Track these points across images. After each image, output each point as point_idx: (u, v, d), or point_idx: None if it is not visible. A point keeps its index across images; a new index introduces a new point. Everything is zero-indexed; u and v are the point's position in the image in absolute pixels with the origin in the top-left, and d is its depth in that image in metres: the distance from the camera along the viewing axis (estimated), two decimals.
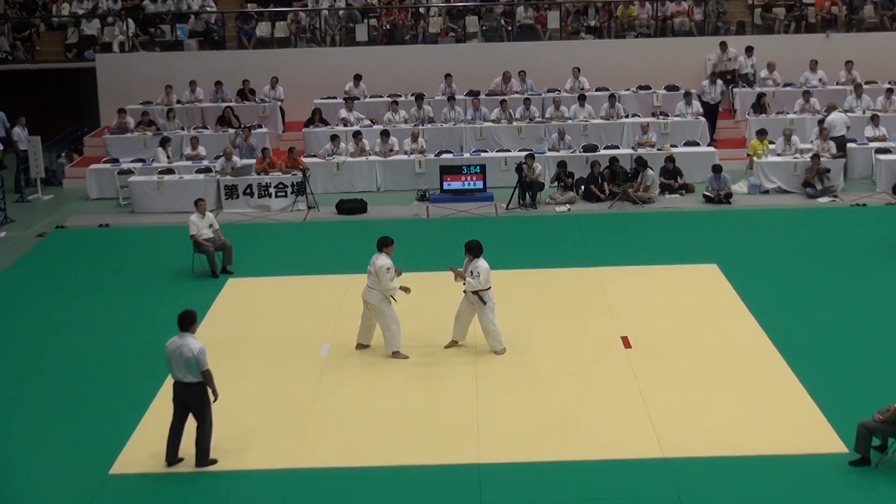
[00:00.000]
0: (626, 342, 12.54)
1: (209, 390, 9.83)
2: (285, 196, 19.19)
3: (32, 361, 12.67)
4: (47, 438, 10.66)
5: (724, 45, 23.33)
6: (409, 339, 12.60)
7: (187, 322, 9.90)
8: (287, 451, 10.18)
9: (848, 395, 10.90)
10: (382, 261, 12.01)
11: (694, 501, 9.14)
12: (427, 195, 19.54)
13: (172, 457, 10.01)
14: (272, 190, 19.20)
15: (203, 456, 9.94)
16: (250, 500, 9.48)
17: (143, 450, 10.25)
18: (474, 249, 12.14)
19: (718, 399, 10.97)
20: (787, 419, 10.51)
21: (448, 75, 23.19)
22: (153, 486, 9.70)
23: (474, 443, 10.19)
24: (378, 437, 10.40)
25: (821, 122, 20.56)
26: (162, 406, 11.13)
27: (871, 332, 12.77)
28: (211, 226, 15.63)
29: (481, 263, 12.04)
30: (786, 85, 23.08)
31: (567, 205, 18.77)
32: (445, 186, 19.47)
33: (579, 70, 23.15)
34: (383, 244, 12.21)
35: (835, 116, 20.58)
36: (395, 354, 12.26)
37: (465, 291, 12.19)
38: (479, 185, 19.41)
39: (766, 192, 19.37)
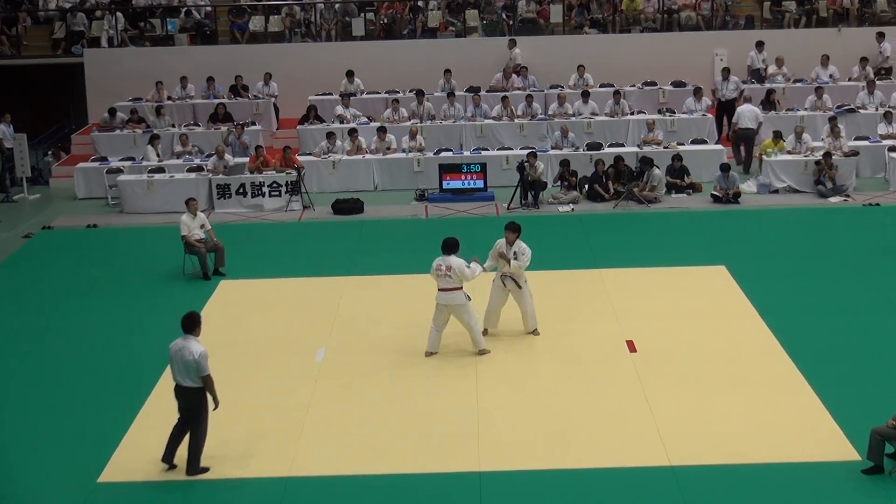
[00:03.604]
0: (632, 346, 12.40)
1: (209, 397, 9.64)
2: (279, 195, 19.01)
3: (18, 366, 12.54)
4: (33, 445, 10.48)
5: (511, 43, 23.50)
6: (409, 344, 12.47)
7: (190, 324, 9.70)
8: (282, 458, 10.04)
9: (860, 402, 10.73)
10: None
11: None
12: (426, 195, 19.36)
13: (169, 457, 9.83)
14: (266, 189, 19.03)
15: (194, 464, 9.76)
16: None
17: (132, 457, 10.10)
18: (517, 230, 12.38)
19: (726, 405, 10.85)
20: (797, 426, 10.36)
21: (447, 71, 23.08)
22: (143, 494, 9.52)
23: (474, 450, 10.05)
24: (375, 445, 10.29)
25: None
26: (152, 412, 11.03)
27: (885, 336, 12.61)
28: (203, 226, 15.48)
29: (524, 245, 12.34)
30: (796, 81, 22.96)
31: (570, 204, 18.63)
32: (445, 186, 19.30)
33: (584, 68, 23.01)
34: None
35: (743, 108, 20.69)
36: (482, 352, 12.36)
37: (501, 277, 12.45)
38: (480, 184, 19.23)
39: (776, 191, 19.20)
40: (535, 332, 12.66)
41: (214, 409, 9.70)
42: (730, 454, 9.79)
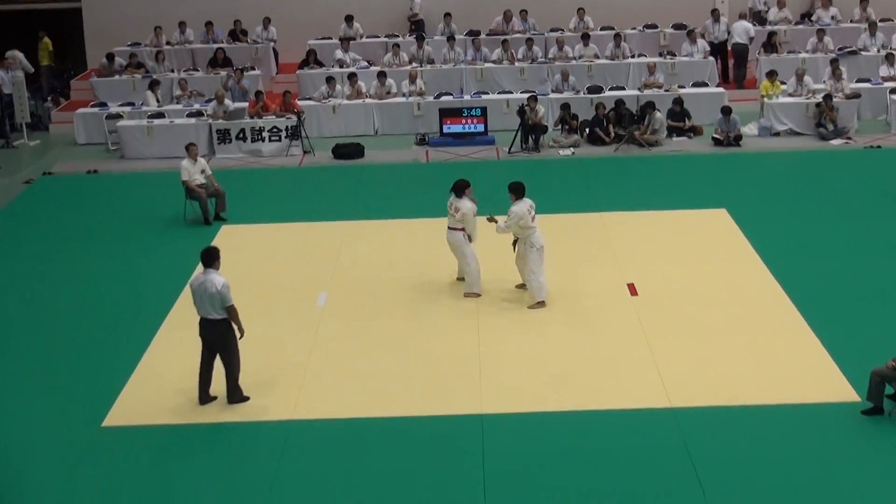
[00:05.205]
0: (633, 289, 12.35)
1: (235, 327, 9.76)
2: (279, 140, 18.86)
3: (20, 312, 12.48)
4: (36, 391, 10.47)
5: None
6: (410, 288, 12.42)
7: (210, 258, 9.85)
8: (285, 402, 10.03)
9: (860, 343, 10.70)
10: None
11: (702, 451, 8.97)
12: (426, 139, 19.22)
13: (204, 396, 9.97)
14: (266, 134, 18.86)
15: (234, 392, 9.91)
16: (247, 452, 9.30)
17: (136, 402, 10.10)
18: (514, 189, 11.85)
19: (727, 347, 10.83)
20: (797, 367, 10.34)
21: (447, 14, 22.86)
22: (147, 438, 9.53)
23: (476, 393, 10.03)
24: (378, 388, 10.27)
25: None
26: (156, 356, 11.13)
27: (885, 278, 12.55)
28: (203, 171, 15.36)
29: (513, 208, 11.76)
30: (797, 23, 22.70)
31: (571, 148, 18.50)
32: (445, 130, 19.13)
33: (584, 10, 22.79)
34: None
35: (735, 24, 21.09)
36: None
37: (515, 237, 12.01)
38: (480, 128, 19.07)
39: (777, 134, 19.06)
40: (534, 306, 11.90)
41: (241, 338, 9.81)
42: (730, 396, 9.79)
